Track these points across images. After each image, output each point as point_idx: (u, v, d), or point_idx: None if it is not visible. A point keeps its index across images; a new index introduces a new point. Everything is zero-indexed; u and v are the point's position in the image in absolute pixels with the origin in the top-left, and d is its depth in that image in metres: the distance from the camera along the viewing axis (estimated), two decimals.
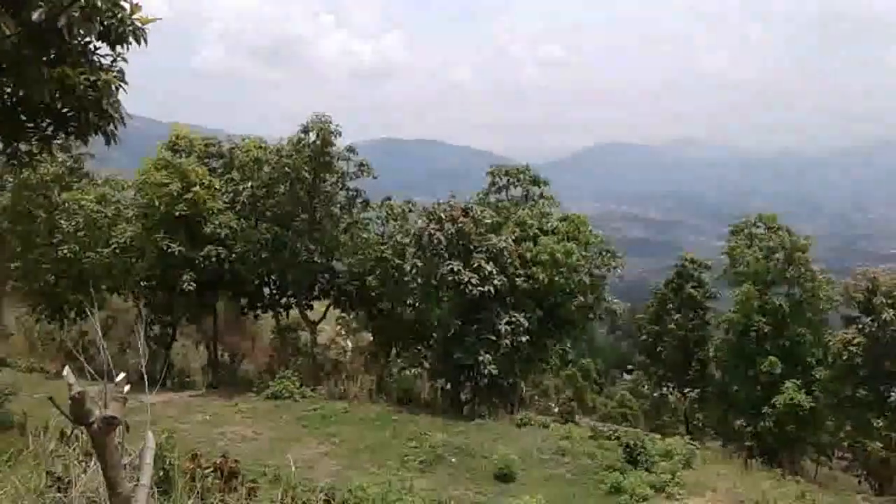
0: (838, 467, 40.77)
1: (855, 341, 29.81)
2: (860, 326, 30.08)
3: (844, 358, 29.97)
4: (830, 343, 31.02)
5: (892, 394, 28.70)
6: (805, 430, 32.57)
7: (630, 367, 50.31)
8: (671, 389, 40.30)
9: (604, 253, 30.39)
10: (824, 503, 20.53)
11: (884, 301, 29.64)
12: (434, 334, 28.45)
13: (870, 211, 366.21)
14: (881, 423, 29.10)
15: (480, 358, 25.65)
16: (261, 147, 29.85)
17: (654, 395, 42.88)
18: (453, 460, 20.81)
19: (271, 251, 28.79)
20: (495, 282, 26.10)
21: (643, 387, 45.03)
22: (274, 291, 30.87)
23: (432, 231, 26.77)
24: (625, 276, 33.22)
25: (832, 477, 37.38)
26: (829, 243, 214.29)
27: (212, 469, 6.05)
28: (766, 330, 32.99)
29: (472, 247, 26.92)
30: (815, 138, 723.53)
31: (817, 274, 33.46)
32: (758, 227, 35.43)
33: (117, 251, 28.28)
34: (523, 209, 30.49)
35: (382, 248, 29.08)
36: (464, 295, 25.94)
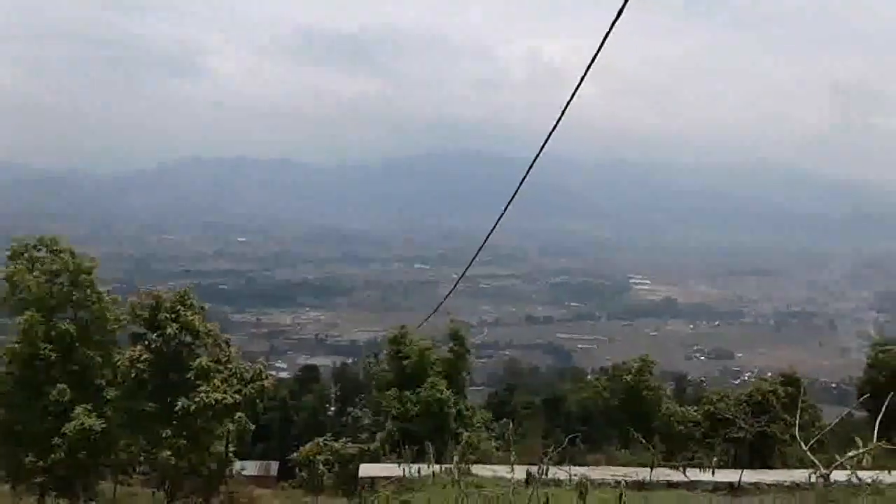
0: (139, 482, 41.97)
1: (142, 357, 30.88)
2: (147, 343, 31.36)
3: (133, 375, 30.82)
4: (119, 362, 31.52)
5: (178, 403, 30.64)
6: (99, 454, 32.38)
7: None
8: None
9: None
10: None
11: (167, 316, 31.50)
12: None
13: (165, 232, 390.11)
14: (170, 433, 30.86)
15: None
16: None
17: None
18: None
19: None
20: None
21: None
22: None
23: None
24: None
25: (133, 493, 38.14)
26: (125, 264, 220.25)
27: None
28: (53, 357, 31.64)
29: None
30: (114, 159, 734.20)
31: (104, 295, 33.64)
32: (39, 249, 33.68)
33: None
34: None
35: None
36: None
